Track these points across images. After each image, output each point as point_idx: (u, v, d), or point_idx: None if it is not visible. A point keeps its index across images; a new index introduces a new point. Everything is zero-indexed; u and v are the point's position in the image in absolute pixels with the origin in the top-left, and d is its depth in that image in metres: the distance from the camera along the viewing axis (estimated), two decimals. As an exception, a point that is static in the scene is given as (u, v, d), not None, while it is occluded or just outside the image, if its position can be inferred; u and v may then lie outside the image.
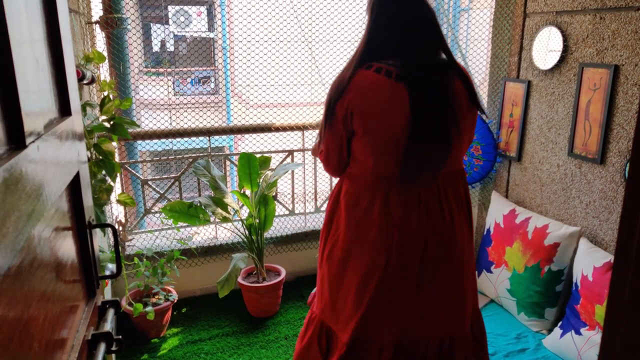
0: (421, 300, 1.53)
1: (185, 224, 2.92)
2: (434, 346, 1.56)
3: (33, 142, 0.68)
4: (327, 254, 1.63)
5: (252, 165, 2.61)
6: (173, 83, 5.90)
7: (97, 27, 2.61)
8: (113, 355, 2.19)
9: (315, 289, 1.78)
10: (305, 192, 3.17)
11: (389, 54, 1.45)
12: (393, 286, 1.51)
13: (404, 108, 1.40)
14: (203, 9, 6.23)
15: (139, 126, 2.33)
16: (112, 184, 2.17)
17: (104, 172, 2.14)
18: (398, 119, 1.41)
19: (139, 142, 2.89)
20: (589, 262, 2.11)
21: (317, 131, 1.67)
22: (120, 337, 0.96)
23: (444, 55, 1.48)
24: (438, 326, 1.56)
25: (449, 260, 1.52)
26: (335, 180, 1.86)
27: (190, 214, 2.61)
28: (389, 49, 1.45)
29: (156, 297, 2.61)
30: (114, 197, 2.40)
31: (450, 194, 1.52)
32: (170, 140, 2.95)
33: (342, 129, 1.49)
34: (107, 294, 2.55)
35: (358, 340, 1.56)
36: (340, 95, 1.44)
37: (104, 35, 2.63)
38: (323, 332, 1.67)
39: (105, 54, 2.47)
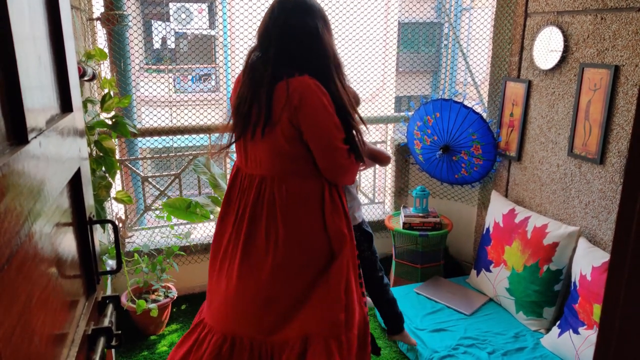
0: None
1: (184, 221, 2.93)
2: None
3: (35, 137, 0.68)
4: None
5: None
6: (174, 80, 5.90)
7: (98, 24, 2.61)
8: (113, 351, 2.20)
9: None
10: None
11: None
12: None
13: None
14: (204, 6, 6.23)
15: (136, 130, 2.35)
16: (111, 181, 2.17)
17: (103, 168, 2.15)
18: None
19: (139, 139, 2.89)
20: (588, 261, 2.12)
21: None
22: (120, 332, 0.96)
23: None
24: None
25: None
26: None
27: (191, 211, 2.62)
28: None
29: (156, 293, 2.62)
30: (113, 194, 2.40)
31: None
32: (170, 137, 2.95)
33: None
34: (107, 290, 2.56)
35: None
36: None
37: (105, 32, 2.64)
38: None
39: (106, 50, 2.47)
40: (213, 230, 3.04)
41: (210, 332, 1.69)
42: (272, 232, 1.60)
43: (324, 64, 1.60)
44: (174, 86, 5.91)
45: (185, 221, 2.95)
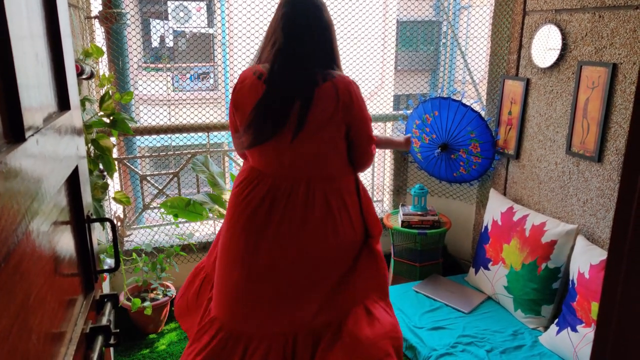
0: None
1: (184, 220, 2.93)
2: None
3: (32, 135, 0.68)
4: None
5: None
6: (172, 79, 5.90)
7: (96, 22, 2.60)
8: (111, 350, 2.20)
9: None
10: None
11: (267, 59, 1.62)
12: None
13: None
14: (202, 4, 6.21)
15: (136, 122, 2.33)
16: (107, 181, 2.17)
17: (100, 167, 2.14)
18: None
19: (138, 137, 2.89)
20: (586, 259, 2.12)
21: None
22: (118, 330, 0.96)
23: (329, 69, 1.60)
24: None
25: None
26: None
27: (189, 210, 2.61)
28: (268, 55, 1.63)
29: (154, 292, 2.62)
30: (111, 193, 2.40)
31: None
32: (169, 136, 2.95)
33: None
34: (106, 289, 2.56)
35: None
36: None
37: (103, 30, 2.63)
38: None
39: (104, 49, 2.47)
40: (212, 229, 3.05)
41: (263, 341, 1.63)
42: (329, 229, 1.64)
43: (338, 60, 1.67)
44: (173, 85, 5.90)
45: (185, 220, 2.94)
